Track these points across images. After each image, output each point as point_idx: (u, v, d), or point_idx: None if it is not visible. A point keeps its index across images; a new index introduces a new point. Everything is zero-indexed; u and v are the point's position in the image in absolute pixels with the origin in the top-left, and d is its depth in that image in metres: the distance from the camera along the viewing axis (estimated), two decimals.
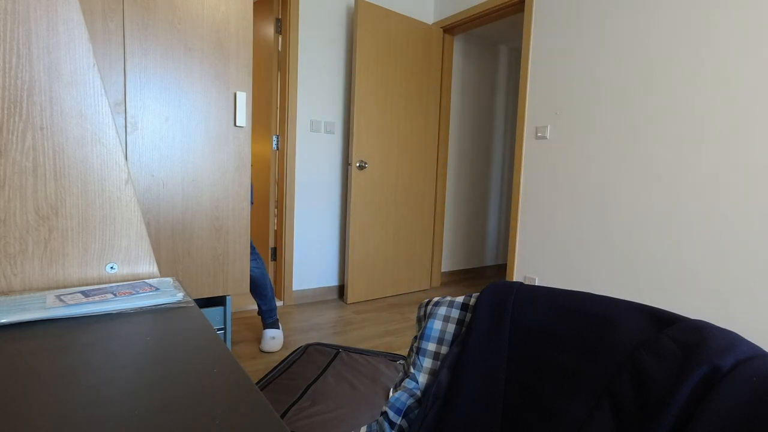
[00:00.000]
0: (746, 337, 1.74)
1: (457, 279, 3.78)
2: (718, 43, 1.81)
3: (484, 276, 3.97)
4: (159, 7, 1.27)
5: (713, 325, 0.48)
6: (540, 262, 2.56)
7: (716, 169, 1.82)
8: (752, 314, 1.74)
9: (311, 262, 2.98)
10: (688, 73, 1.91)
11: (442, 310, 0.69)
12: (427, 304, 0.72)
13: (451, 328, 0.67)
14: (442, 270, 3.66)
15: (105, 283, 0.67)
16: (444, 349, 0.66)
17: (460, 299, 0.70)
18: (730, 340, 0.45)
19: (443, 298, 0.72)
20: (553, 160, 2.47)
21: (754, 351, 0.44)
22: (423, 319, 0.71)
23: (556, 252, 2.47)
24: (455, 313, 0.68)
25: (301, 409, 1.55)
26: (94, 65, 0.65)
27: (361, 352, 2.11)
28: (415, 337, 0.70)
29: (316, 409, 1.55)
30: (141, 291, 0.61)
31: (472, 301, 0.68)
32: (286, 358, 2.01)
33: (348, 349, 2.12)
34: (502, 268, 4.14)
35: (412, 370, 0.67)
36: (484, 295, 0.65)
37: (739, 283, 1.77)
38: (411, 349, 0.71)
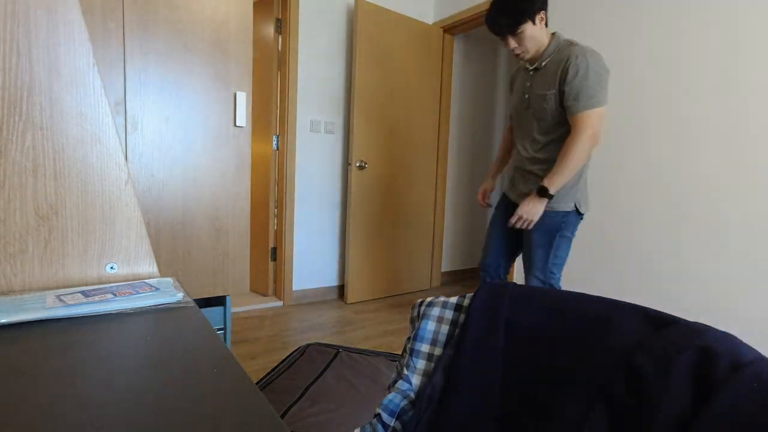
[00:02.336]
0: (746, 338, 1.74)
1: (457, 279, 3.78)
2: (716, 42, 1.81)
3: None
4: (159, 7, 1.27)
5: (711, 327, 0.48)
6: None
7: (716, 169, 1.83)
8: (752, 314, 1.74)
9: (311, 262, 2.98)
10: (687, 73, 1.91)
11: (435, 311, 0.69)
12: (420, 304, 0.72)
13: (445, 329, 0.67)
14: (442, 270, 3.66)
15: (105, 283, 0.67)
16: (438, 351, 0.66)
17: (453, 300, 0.70)
18: (729, 343, 0.45)
19: (437, 298, 0.72)
20: None
21: (754, 355, 0.44)
22: (416, 319, 0.71)
23: None
24: (449, 314, 0.68)
25: (301, 409, 1.56)
26: (93, 65, 0.66)
27: (361, 352, 2.11)
28: (409, 338, 0.70)
29: (316, 409, 1.56)
30: (141, 291, 0.61)
31: (466, 301, 0.68)
32: (286, 359, 2.01)
33: (348, 349, 2.12)
34: None
35: (405, 372, 0.67)
36: (478, 295, 0.65)
37: (739, 283, 1.77)
38: (404, 350, 0.71)
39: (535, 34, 1.53)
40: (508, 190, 1.77)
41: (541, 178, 1.59)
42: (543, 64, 1.56)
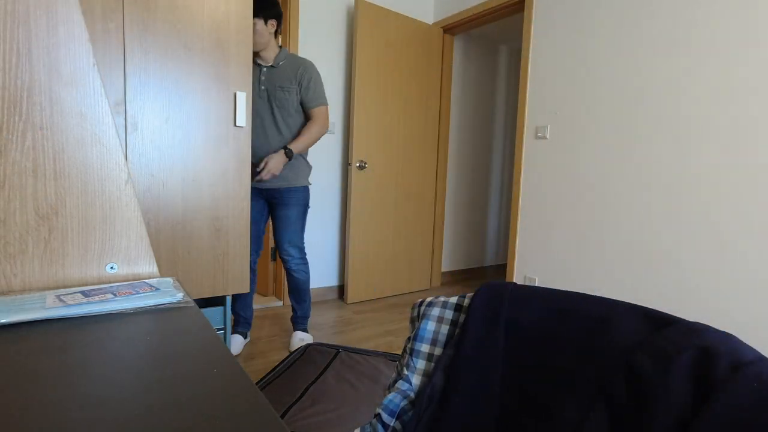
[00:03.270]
0: (746, 338, 1.74)
1: (457, 279, 3.78)
2: (716, 43, 1.81)
3: (484, 276, 3.97)
4: (159, 7, 1.27)
5: (711, 327, 0.48)
6: (540, 262, 2.56)
7: (715, 169, 1.83)
8: (752, 315, 1.74)
9: (311, 262, 2.97)
10: (687, 73, 1.91)
11: (435, 311, 0.69)
12: (420, 304, 0.72)
13: (445, 329, 0.67)
14: (442, 270, 3.66)
15: (105, 283, 0.67)
16: (438, 351, 0.66)
17: (453, 300, 0.70)
18: (729, 343, 0.45)
19: (436, 298, 0.72)
20: (553, 160, 2.47)
21: (754, 355, 0.44)
22: (416, 319, 0.71)
23: (556, 252, 2.47)
24: (449, 314, 0.68)
25: (301, 409, 1.56)
26: (94, 65, 0.66)
27: (361, 352, 2.11)
28: (409, 338, 0.70)
29: (316, 409, 1.56)
30: (141, 291, 0.61)
31: (466, 301, 0.68)
32: (286, 359, 2.01)
33: (348, 349, 2.12)
34: (502, 268, 4.14)
35: (405, 372, 0.67)
36: (478, 296, 0.65)
37: (739, 283, 1.77)
38: (404, 350, 0.71)
39: (263, 32, 1.90)
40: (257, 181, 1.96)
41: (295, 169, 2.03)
42: (279, 63, 1.98)
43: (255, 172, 1.94)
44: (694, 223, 1.90)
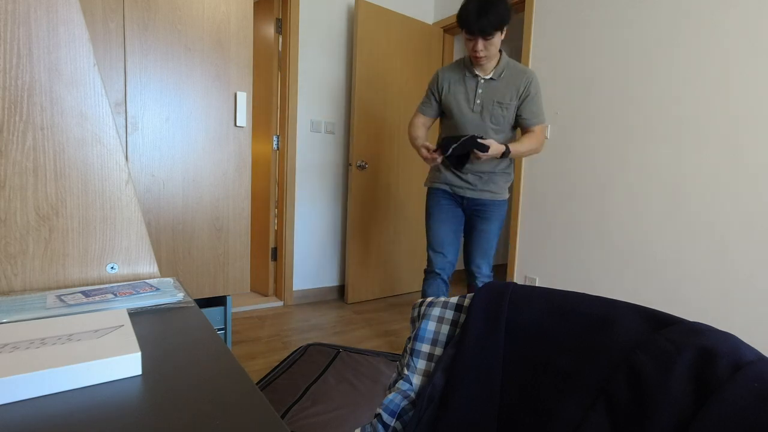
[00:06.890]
0: (746, 338, 1.74)
1: (458, 279, 3.78)
2: (717, 43, 1.81)
3: None
4: (159, 8, 1.27)
5: (712, 327, 0.48)
6: (540, 262, 2.56)
7: (716, 169, 1.82)
8: (752, 315, 1.74)
9: (311, 262, 2.98)
10: (687, 73, 1.91)
11: (436, 311, 0.69)
12: (421, 304, 0.72)
13: (445, 329, 0.67)
14: None
15: (105, 283, 0.67)
16: (438, 351, 0.66)
17: (454, 300, 0.70)
18: (729, 343, 0.45)
19: (437, 298, 0.72)
20: (553, 161, 2.47)
21: (755, 355, 0.44)
22: (417, 319, 0.71)
23: (556, 252, 2.47)
24: (449, 314, 0.68)
25: (302, 410, 1.56)
26: (94, 65, 0.66)
27: (361, 352, 2.11)
28: (409, 338, 0.70)
29: (316, 410, 1.56)
30: (141, 291, 0.61)
31: (466, 302, 0.68)
32: (286, 359, 2.01)
33: (348, 349, 2.12)
34: (502, 268, 4.14)
35: (405, 372, 0.67)
36: (478, 296, 0.65)
37: (739, 283, 1.77)
38: (405, 350, 0.71)
39: (498, 44, 1.66)
40: (457, 187, 1.84)
41: (504, 178, 1.84)
42: (501, 76, 1.73)
43: (457, 156, 1.69)
44: (694, 223, 1.90)
